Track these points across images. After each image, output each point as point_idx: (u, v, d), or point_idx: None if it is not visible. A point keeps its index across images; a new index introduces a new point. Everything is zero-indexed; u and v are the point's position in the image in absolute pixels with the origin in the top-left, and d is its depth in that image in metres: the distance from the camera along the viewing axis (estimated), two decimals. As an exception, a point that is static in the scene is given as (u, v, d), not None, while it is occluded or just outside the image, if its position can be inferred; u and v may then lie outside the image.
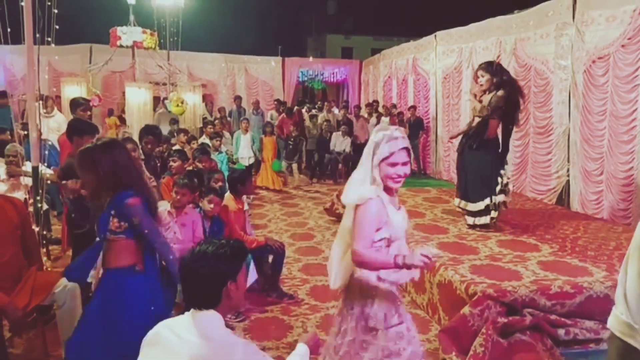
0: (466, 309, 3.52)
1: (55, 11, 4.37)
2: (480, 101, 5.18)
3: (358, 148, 11.13)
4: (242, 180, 4.68)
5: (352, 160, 10.91)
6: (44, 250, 5.39)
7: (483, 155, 5.14)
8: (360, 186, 2.29)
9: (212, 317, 1.76)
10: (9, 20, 4.15)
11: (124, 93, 9.14)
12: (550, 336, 3.55)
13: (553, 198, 7.37)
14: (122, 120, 9.22)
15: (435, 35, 11.29)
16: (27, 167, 5.46)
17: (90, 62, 12.97)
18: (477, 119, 5.23)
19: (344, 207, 6.70)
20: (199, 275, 1.75)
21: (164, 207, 3.76)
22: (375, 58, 16.01)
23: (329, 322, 4.05)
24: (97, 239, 2.75)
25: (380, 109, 12.54)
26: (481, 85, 5.13)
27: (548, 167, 7.59)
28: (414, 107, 11.94)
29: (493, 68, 5.10)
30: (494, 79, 5.05)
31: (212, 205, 4.18)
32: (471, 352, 3.33)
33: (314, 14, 39.34)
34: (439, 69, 11.10)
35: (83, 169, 2.60)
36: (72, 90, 7.32)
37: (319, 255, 5.77)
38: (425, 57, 11.96)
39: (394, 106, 12.72)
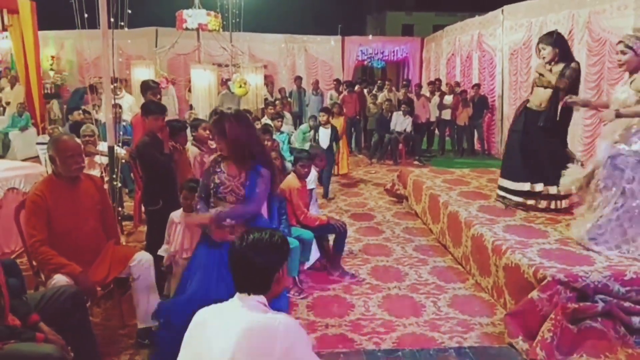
0: (534, 294, 3.43)
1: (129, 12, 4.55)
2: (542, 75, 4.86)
3: (419, 128, 10.96)
4: (295, 160, 4.72)
5: (412, 140, 10.77)
6: (118, 226, 5.72)
7: (554, 134, 4.87)
8: None
9: (260, 301, 1.82)
10: (78, 4, 4.35)
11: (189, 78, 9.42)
12: (624, 323, 3.42)
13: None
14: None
15: (502, 10, 10.84)
16: (102, 146, 5.77)
17: (156, 46, 13.39)
18: (541, 91, 4.90)
19: (404, 187, 6.64)
20: (255, 264, 1.81)
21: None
22: (437, 35, 15.59)
23: (391, 301, 4.09)
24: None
25: (443, 88, 12.24)
26: (543, 58, 4.79)
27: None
28: (478, 85, 11.57)
29: (553, 39, 4.79)
30: (556, 50, 4.75)
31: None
32: (539, 338, 3.25)
33: (374, -9, 38.63)
34: (506, 44, 10.67)
35: (217, 135, 2.91)
36: (141, 73, 7.57)
37: (380, 236, 5.77)
38: (491, 32, 11.52)
39: (457, 84, 12.38)
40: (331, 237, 4.81)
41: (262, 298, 1.83)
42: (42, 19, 10.92)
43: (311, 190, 5.24)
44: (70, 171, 3.21)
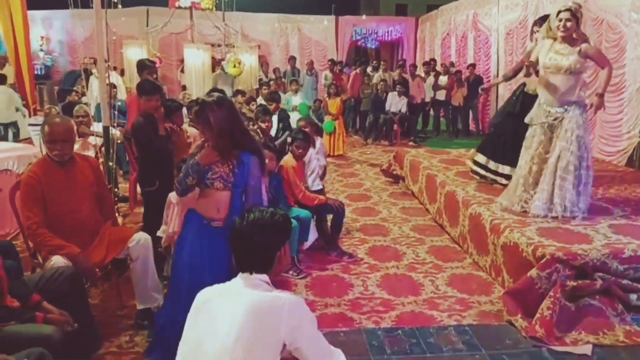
0: (533, 272, 3.44)
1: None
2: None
3: (414, 108, 10.91)
4: (296, 141, 4.66)
5: (408, 120, 10.74)
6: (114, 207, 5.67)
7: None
8: None
9: (263, 279, 1.81)
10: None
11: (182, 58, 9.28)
12: (622, 301, 3.45)
13: (623, 160, 7.00)
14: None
15: (498, -11, 10.75)
16: (96, 127, 5.69)
17: (147, 25, 13.18)
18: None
19: (401, 167, 6.63)
20: (258, 243, 1.80)
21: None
22: (432, 14, 15.46)
23: (389, 281, 4.10)
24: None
25: (438, 68, 12.17)
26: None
27: (619, 127, 7.19)
28: (473, 65, 11.52)
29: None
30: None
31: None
32: (538, 315, 3.28)
33: (367, -30, 38.15)
34: (502, 24, 10.60)
35: (201, 125, 2.78)
36: (133, 53, 7.48)
37: (377, 216, 5.77)
38: (486, 12, 11.44)
39: (452, 64, 12.31)
40: (329, 218, 4.79)
41: (264, 277, 1.82)
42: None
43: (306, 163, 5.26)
44: (51, 156, 3.16)
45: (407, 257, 4.58)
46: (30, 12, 11.69)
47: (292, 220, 4.02)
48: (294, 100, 9.76)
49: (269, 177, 4.26)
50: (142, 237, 3.40)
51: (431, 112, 11.98)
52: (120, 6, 4.38)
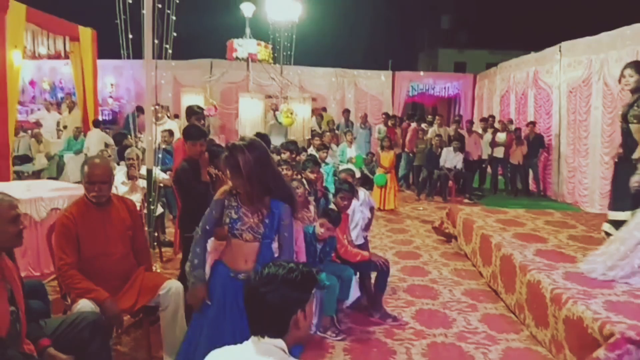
0: (600, 352, 3.02)
1: (174, 34, 4.55)
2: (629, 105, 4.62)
3: (470, 165, 10.57)
4: (335, 192, 4.47)
5: (463, 177, 10.38)
6: (157, 251, 5.63)
7: None
8: None
9: (278, 345, 1.58)
10: (126, 35, 4.41)
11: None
12: None
13: None
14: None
15: (559, 47, 10.44)
16: (145, 170, 5.75)
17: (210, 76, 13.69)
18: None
19: (454, 226, 6.28)
20: (267, 301, 1.58)
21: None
22: (491, 71, 15.26)
23: (436, 350, 3.75)
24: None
25: (496, 125, 11.84)
26: (627, 85, 4.64)
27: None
28: (533, 123, 11.11)
29: None
30: None
31: (322, 230, 3.93)
32: (606, 405, 2.84)
33: (427, 29, 38.72)
34: (564, 82, 10.23)
35: (230, 170, 2.60)
36: (190, 100, 7.66)
37: (426, 277, 5.42)
38: (547, 69, 11.11)
39: (511, 121, 11.95)
40: (373, 275, 4.51)
41: (279, 342, 1.59)
42: (104, 48, 11.35)
43: (371, 209, 5.10)
44: (89, 197, 3.11)
45: (457, 325, 4.21)
46: (102, 61, 12.44)
47: (332, 277, 3.84)
48: (348, 151, 9.68)
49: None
50: (174, 285, 3.26)
51: (488, 169, 11.57)
52: (172, 61, 4.46)
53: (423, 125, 11.81)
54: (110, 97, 16.65)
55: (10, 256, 2.38)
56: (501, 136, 11.11)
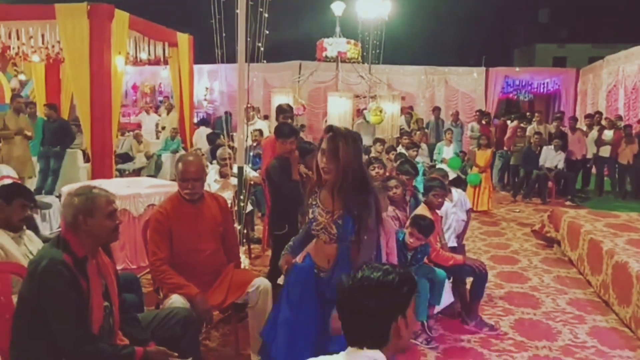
0: None
1: (267, 32, 4.58)
2: None
3: (573, 165, 9.81)
4: (427, 190, 4.14)
5: (565, 177, 9.66)
6: (246, 248, 5.70)
7: None
8: None
9: (376, 357, 1.43)
10: (220, 40, 4.52)
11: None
12: None
13: None
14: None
15: (679, 34, 9.44)
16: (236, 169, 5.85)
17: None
18: None
19: (557, 230, 5.80)
20: (364, 308, 1.42)
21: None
22: (596, 65, 14.16)
23: (540, 365, 3.43)
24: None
25: (603, 122, 10.91)
26: None
27: None
28: (646, 120, 10.14)
29: None
30: None
31: (412, 240, 3.69)
32: None
33: (524, 24, 36.87)
34: (684, 73, 9.22)
35: (328, 155, 2.45)
36: (280, 100, 7.74)
37: (525, 284, 5.03)
38: (663, 60, 10.11)
39: (620, 118, 10.97)
40: (468, 281, 4.24)
41: (378, 354, 1.43)
42: (201, 53, 11.83)
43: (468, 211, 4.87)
44: (182, 194, 3.15)
45: (562, 338, 3.84)
46: (198, 66, 12.98)
47: (423, 279, 3.63)
48: (446, 150, 9.33)
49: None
50: (262, 283, 3.23)
51: (593, 169, 10.68)
52: (264, 61, 4.50)
53: (521, 123, 11.18)
54: (205, 99, 17.39)
55: (107, 252, 2.43)
56: (608, 134, 10.21)
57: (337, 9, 8.34)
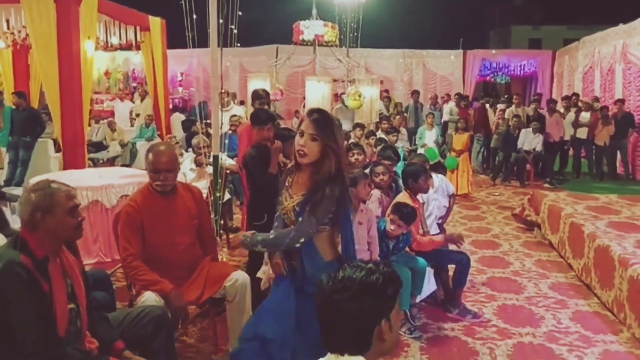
0: None
1: (240, 13, 4.39)
2: None
3: (551, 147, 9.84)
4: (415, 175, 3.96)
5: (543, 160, 9.70)
6: (224, 238, 5.57)
7: None
8: None
9: None
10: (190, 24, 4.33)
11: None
12: None
13: None
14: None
15: (654, 15, 9.48)
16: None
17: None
18: None
19: (537, 213, 5.78)
20: (345, 312, 1.31)
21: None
22: (572, 47, 14.21)
23: (524, 352, 3.39)
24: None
25: (580, 104, 10.96)
26: None
27: None
28: (621, 101, 10.22)
29: None
30: None
31: (393, 227, 3.56)
32: None
33: (499, 6, 36.93)
34: (659, 54, 9.28)
35: (311, 136, 2.27)
36: (256, 85, 7.52)
37: (507, 268, 5.01)
38: (638, 42, 10.14)
39: (597, 100, 11.04)
40: (451, 268, 4.18)
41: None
42: (174, 38, 11.49)
43: (451, 196, 4.85)
44: (153, 186, 2.99)
45: (545, 323, 3.81)
46: (173, 51, 12.61)
47: (405, 268, 3.55)
48: (428, 135, 9.25)
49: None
50: (240, 276, 3.11)
51: (570, 151, 10.75)
52: (238, 44, 4.34)
53: (499, 106, 11.16)
54: (180, 85, 17.02)
55: (72, 249, 2.27)
56: (585, 115, 10.28)
57: (312, -10, 8.14)
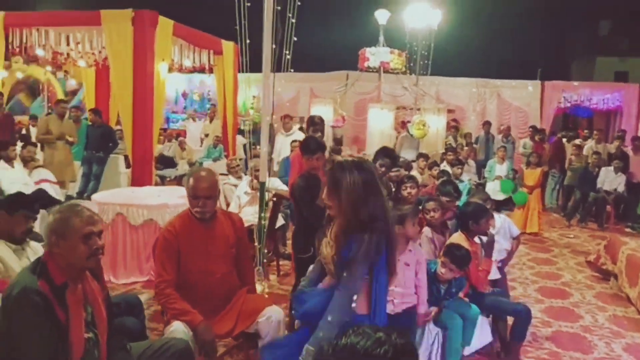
0: None
1: (295, 39, 4.36)
2: None
3: (634, 187, 9.05)
4: (475, 216, 3.64)
5: (625, 201, 8.93)
6: (274, 264, 5.45)
7: None
8: None
9: None
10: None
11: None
12: None
13: None
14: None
15: None
16: (272, 182, 5.62)
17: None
18: None
19: (613, 262, 5.25)
20: None
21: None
22: (664, 80, 13.19)
23: None
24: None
25: (671, 142, 10.04)
26: None
27: None
28: None
29: None
30: None
31: (444, 270, 3.29)
32: None
33: (582, 36, 35.30)
34: None
35: (330, 189, 2.16)
36: (319, 111, 7.50)
37: (576, 322, 4.52)
38: None
39: (691, 139, 10.08)
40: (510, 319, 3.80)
41: None
42: (249, 62, 11.74)
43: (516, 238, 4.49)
44: (192, 212, 2.91)
45: (617, 392, 3.36)
46: (245, 75, 12.90)
47: (455, 315, 3.24)
48: (498, 169, 8.81)
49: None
50: (274, 312, 2.94)
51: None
52: (292, 70, 4.29)
53: (577, 141, 10.47)
54: (252, 108, 17.42)
55: (96, 276, 2.20)
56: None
57: (381, 17, 8.02)
